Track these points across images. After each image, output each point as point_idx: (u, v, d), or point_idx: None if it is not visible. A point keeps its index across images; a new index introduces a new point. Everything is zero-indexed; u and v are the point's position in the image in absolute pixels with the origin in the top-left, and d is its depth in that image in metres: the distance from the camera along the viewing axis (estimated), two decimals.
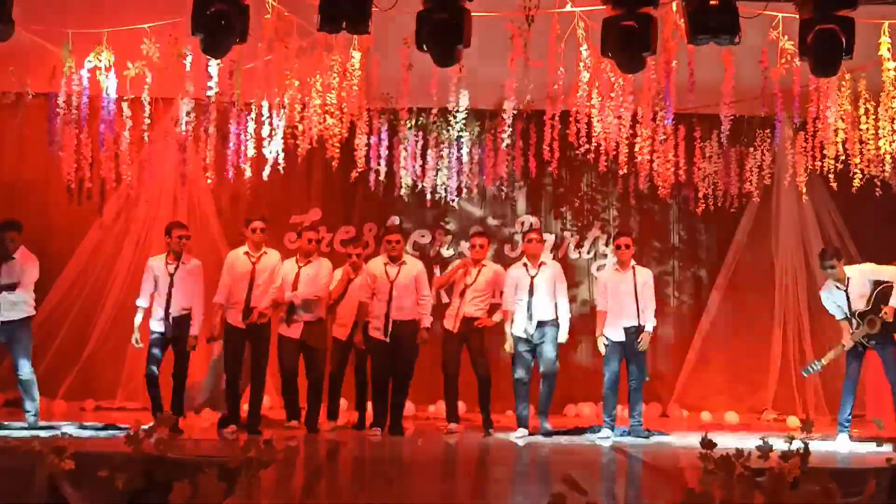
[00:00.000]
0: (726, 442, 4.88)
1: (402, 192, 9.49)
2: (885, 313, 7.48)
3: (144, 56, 7.99)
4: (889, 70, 7.63)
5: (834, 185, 8.73)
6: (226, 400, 8.02)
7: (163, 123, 9.26)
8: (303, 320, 7.89)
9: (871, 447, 6.98)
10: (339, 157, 8.39)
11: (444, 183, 9.58)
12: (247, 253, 7.95)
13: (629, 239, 8.11)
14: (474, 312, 8.07)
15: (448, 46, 6.44)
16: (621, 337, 7.88)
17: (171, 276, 7.77)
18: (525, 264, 8.05)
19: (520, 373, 7.93)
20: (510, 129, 8.28)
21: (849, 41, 6.35)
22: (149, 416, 7.53)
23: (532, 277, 7.95)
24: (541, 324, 7.89)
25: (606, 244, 10.31)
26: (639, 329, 7.86)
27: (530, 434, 7.89)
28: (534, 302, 7.89)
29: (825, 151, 8.51)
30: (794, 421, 9.08)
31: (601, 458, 7.01)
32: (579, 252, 10.31)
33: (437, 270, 9.87)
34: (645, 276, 8.04)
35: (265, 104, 8.14)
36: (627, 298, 7.89)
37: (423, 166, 9.64)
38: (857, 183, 8.58)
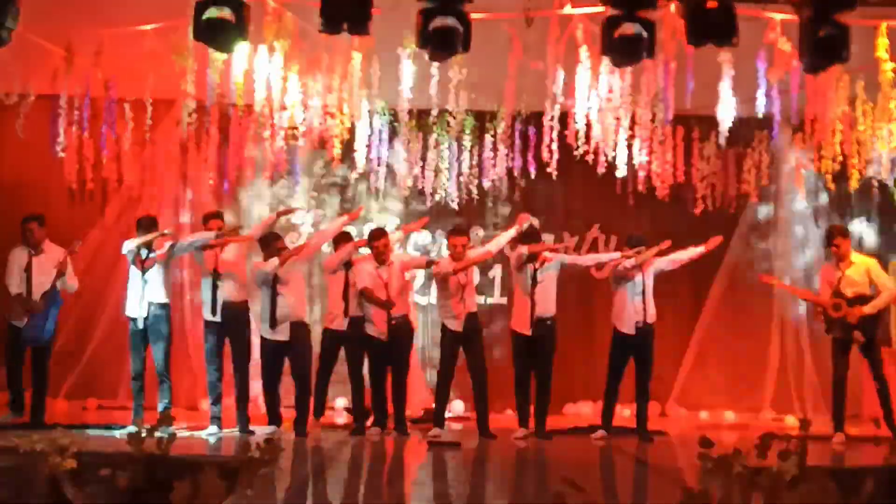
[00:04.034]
0: (725, 441, 4.90)
1: (402, 192, 9.53)
2: (849, 314, 7.70)
3: (145, 56, 8.01)
4: (886, 71, 7.66)
5: (832, 185, 8.76)
6: (209, 399, 7.99)
7: (164, 125, 9.29)
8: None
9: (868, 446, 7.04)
10: (339, 157, 8.41)
11: (444, 183, 9.61)
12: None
13: None
14: (473, 307, 8.05)
15: (448, 51, 6.48)
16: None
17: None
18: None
19: (520, 372, 7.95)
20: (509, 130, 8.30)
21: (843, 45, 6.44)
22: (151, 415, 7.56)
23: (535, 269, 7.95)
24: (541, 321, 7.91)
25: (605, 245, 10.34)
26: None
27: (530, 433, 7.91)
28: (536, 298, 7.90)
29: (823, 152, 8.54)
30: (792, 420, 9.11)
31: (601, 459, 7.04)
32: (577, 253, 10.32)
33: None
34: None
35: (265, 105, 8.16)
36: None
37: (422, 166, 9.67)
38: (854, 183, 8.60)
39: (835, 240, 7.89)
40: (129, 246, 7.86)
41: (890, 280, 8.10)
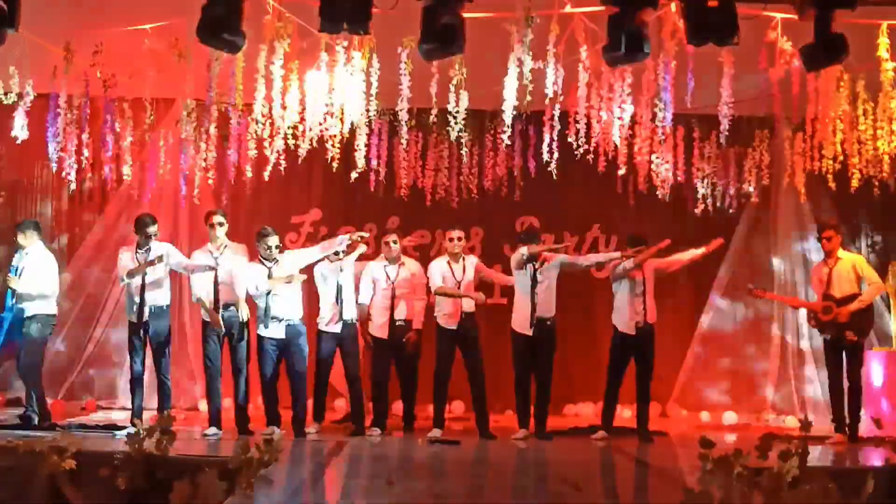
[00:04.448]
0: (726, 442, 4.89)
1: (402, 192, 9.52)
2: (839, 314, 7.78)
3: (145, 56, 8.00)
4: (887, 70, 7.65)
5: (832, 185, 8.75)
6: (208, 399, 7.99)
7: (164, 124, 9.27)
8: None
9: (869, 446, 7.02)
10: (340, 157, 8.40)
11: (444, 183, 9.59)
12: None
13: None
14: (470, 307, 8.02)
15: (451, 50, 6.50)
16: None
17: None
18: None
19: (520, 372, 7.94)
20: (509, 130, 8.28)
21: (843, 44, 6.49)
22: (150, 416, 7.57)
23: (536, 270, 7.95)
24: (541, 321, 7.89)
25: (606, 245, 10.33)
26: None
27: (531, 434, 7.89)
28: (536, 298, 7.88)
29: (823, 152, 8.52)
30: (792, 421, 9.10)
31: (601, 459, 7.03)
32: (577, 253, 10.30)
33: None
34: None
35: (265, 105, 8.15)
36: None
37: (423, 166, 9.65)
38: (855, 183, 8.59)
39: (824, 233, 8.05)
40: (123, 269, 7.85)
41: (876, 275, 8.14)
